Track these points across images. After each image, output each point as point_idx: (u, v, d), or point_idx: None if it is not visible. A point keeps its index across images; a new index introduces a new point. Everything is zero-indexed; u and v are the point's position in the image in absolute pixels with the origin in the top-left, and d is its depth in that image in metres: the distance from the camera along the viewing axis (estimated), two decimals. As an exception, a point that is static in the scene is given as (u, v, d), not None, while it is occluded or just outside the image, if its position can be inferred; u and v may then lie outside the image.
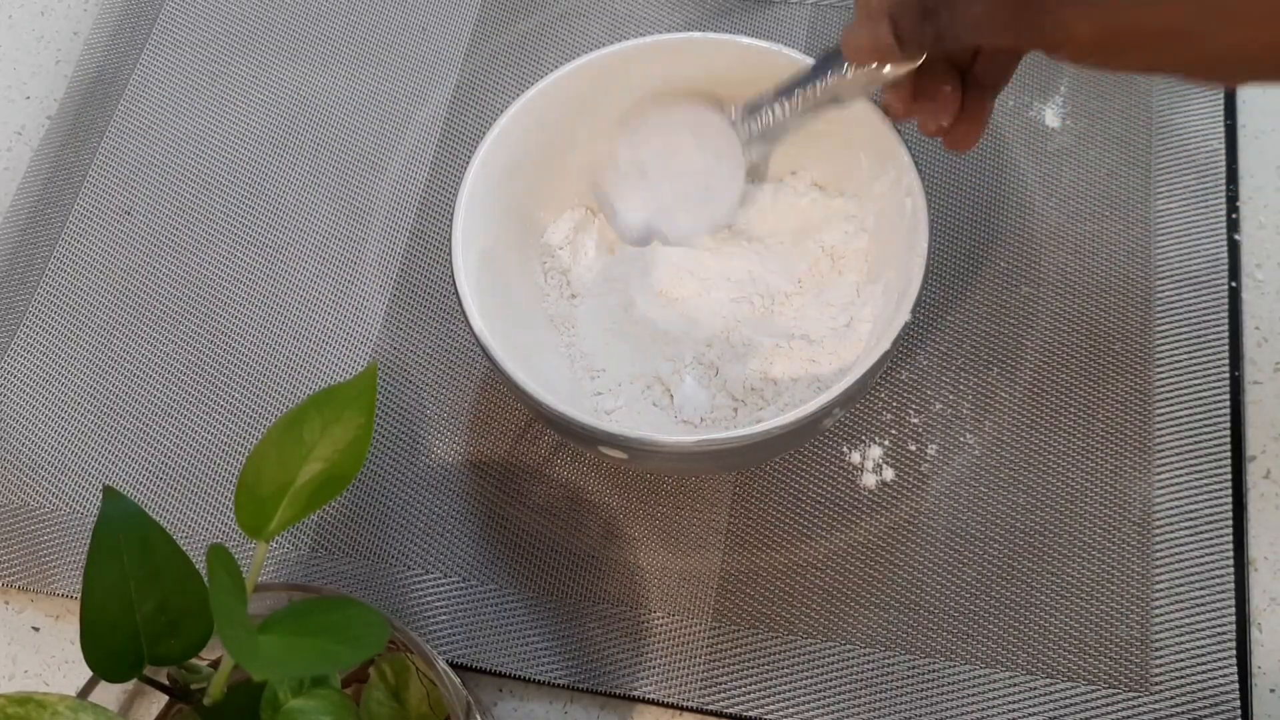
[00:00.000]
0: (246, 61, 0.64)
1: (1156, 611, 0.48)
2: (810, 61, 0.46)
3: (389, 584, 0.51)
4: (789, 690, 0.48)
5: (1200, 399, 0.52)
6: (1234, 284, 0.54)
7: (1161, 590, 0.48)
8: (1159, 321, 0.53)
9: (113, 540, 0.35)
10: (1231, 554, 0.49)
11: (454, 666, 0.49)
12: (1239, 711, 0.46)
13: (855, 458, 0.52)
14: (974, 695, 0.47)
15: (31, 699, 0.32)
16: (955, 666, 0.48)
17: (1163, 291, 0.54)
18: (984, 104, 0.44)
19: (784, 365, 0.51)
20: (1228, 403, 0.51)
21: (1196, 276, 0.54)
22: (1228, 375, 0.52)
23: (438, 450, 0.54)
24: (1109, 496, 0.50)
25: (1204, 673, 0.47)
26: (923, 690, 0.48)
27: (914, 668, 0.48)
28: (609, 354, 0.52)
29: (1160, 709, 0.46)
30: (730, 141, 0.50)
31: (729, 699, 0.48)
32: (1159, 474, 0.51)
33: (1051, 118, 0.59)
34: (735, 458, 0.48)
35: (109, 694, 0.40)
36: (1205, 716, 0.46)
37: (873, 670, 0.48)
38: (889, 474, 0.52)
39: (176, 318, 0.58)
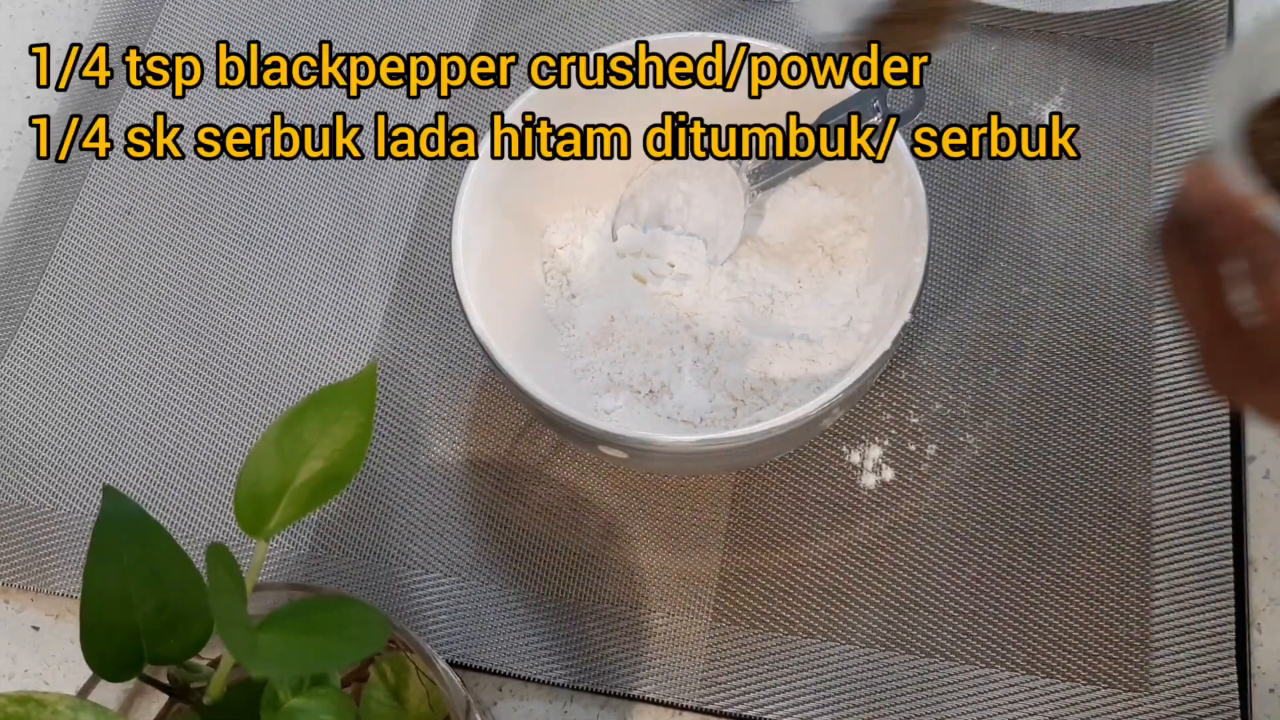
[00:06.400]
0: (245, 63, 0.64)
1: (1156, 611, 0.48)
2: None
3: (389, 583, 0.51)
4: (789, 690, 0.48)
5: (1200, 399, 0.52)
6: (1234, 284, 0.54)
7: (1161, 590, 0.48)
8: (1159, 322, 0.53)
9: (113, 540, 0.35)
10: (1231, 554, 0.49)
11: (454, 666, 0.49)
12: (1238, 711, 0.46)
13: (855, 458, 0.52)
14: (974, 695, 0.47)
15: (31, 698, 0.32)
16: (955, 666, 0.48)
17: (1163, 292, 0.54)
18: None
19: (783, 365, 0.51)
20: (1227, 403, 0.51)
21: (1196, 276, 0.54)
22: (1227, 375, 0.52)
23: (438, 450, 0.54)
24: (1109, 496, 0.50)
25: (1203, 673, 0.47)
26: (923, 690, 0.48)
27: (914, 668, 0.48)
28: (609, 354, 0.52)
29: (1160, 709, 0.46)
30: (736, 190, 0.53)
31: (729, 699, 0.48)
32: (1159, 474, 0.50)
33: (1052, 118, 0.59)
34: (734, 458, 0.48)
35: (109, 693, 0.40)
36: (1204, 716, 0.46)
37: (873, 670, 0.48)
38: (889, 474, 0.52)
39: (176, 318, 0.58)
